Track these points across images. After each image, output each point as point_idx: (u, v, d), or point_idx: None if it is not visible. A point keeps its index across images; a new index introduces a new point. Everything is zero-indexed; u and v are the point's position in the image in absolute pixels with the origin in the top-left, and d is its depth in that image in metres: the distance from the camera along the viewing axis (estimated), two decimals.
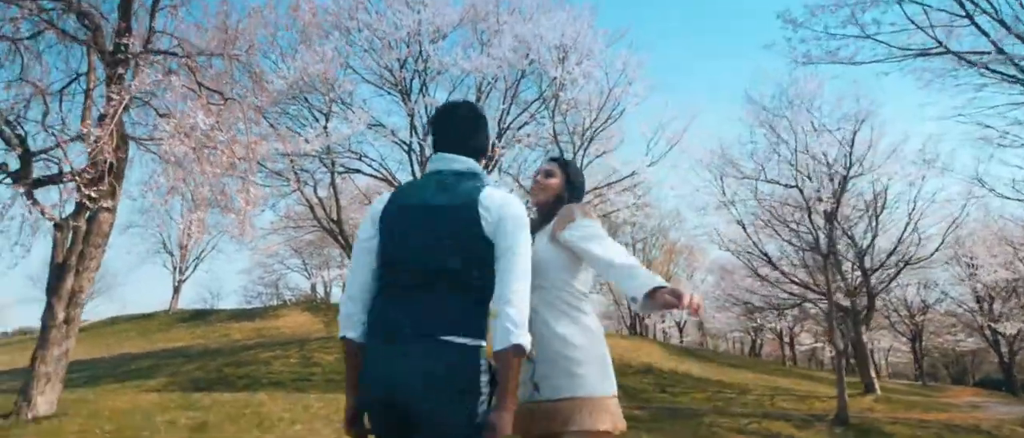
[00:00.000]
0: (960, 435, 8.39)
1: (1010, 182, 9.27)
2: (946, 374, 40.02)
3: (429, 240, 1.36)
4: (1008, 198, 9.64)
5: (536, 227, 1.78)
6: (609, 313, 39.76)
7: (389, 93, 13.78)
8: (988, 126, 7.29)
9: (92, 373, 12.95)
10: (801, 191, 10.94)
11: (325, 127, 13.07)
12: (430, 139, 1.53)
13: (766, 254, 12.63)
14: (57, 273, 6.14)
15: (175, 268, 29.14)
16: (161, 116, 6.32)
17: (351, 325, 1.39)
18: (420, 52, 12.64)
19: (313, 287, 33.34)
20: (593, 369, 1.61)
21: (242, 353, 14.97)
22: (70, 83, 7.16)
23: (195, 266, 29.93)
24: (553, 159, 1.95)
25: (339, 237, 15.00)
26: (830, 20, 6.92)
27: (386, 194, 1.53)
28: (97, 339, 19.61)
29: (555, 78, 11.74)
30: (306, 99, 13.46)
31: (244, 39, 7.49)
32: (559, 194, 1.84)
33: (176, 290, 28.63)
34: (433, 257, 1.35)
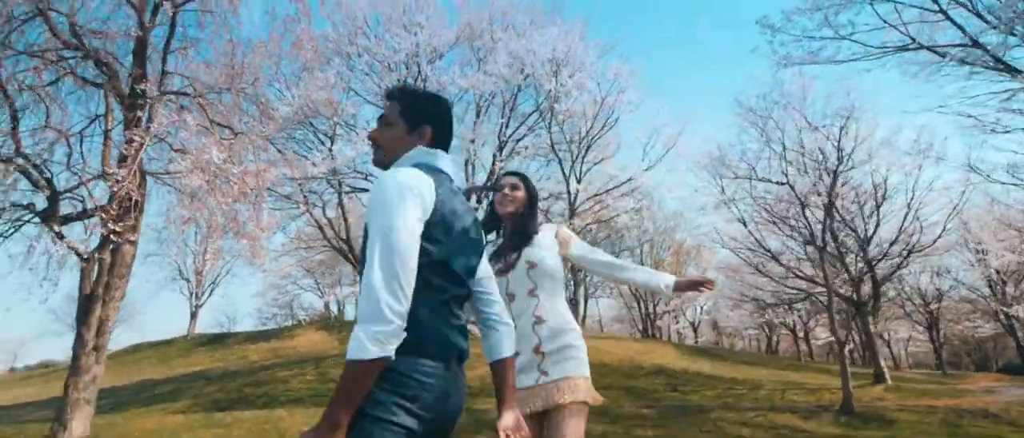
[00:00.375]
0: (966, 419, 8.46)
1: (1004, 167, 9.34)
2: (969, 361, 39.42)
3: (478, 259, 1.37)
4: (1003, 183, 9.74)
5: (524, 240, 2.08)
6: (622, 317, 39.72)
7: None
8: (970, 116, 7.46)
9: (117, 400, 13.37)
10: (792, 187, 11.15)
11: (330, 150, 13.52)
12: (430, 126, 1.39)
13: (769, 250, 12.79)
14: (85, 304, 6.53)
15: (191, 294, 29.74)
16: (176, 151, 6.73)
17: (396, 343, 1.09)
18: (419, 72, 13.06)
19: (326, 306, 33.80)
20: (583, 355, 2.01)
21: (260, 373, 15.34)
22: (89, 124, 7.63)
23: (211, 291, 30.53)
24: (514, 173, 2.20)
25: (350, 255, 15.38)
26: (807, 23, 7.18)
27: (419, 173, 1.24)
28: (119, 367, 20.11)
29: (550, 91, 12.08)
30: (311, 124, 13.93)
31: (250, 72, 7.92)
32: (524, 205, 2.13)
33: (193, 315, 29.20)
34: (475, 276, 1.38)
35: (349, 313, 32.89)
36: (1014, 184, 9.39)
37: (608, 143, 13.04)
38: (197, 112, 6.31)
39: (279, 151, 12.75)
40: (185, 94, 6.34)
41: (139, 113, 5.82)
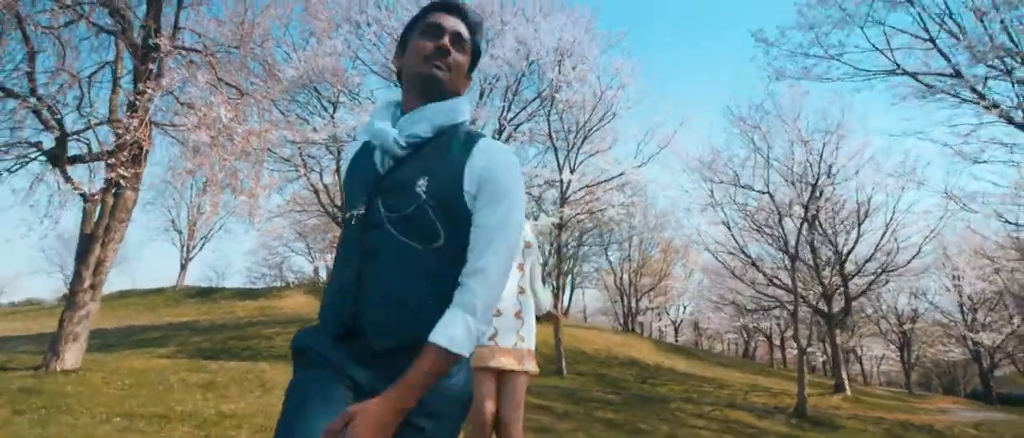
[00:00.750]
0: (911, 432, 8.95)
1: (980, 195, 9.68)
2: (938, 384, 40.44)
3: None
4: (975, 212, 10.11)
5: None
6: (606, 309, 40.40)
7: (396, 85, 14.36)
8: (947, 145, 7.79)
9: (105, 341, 13.73)
10: (772, 197, 11.51)
11: (333, 117, 13.70)
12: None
13: (749, 256, 13.19)
14: (85, 243, 6.81)
15: (183, 246, 30.02)
16: (182, 104, 6.96)
17: None
18: None
19: (316, 270, 34.17)
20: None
21: (246, 328, 15.74)
22: (98, 70, 7.82)
23: (202, 245, 30.82)
24: None
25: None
26: (801, 39, 7.44)
27: None
28: (107, 311, 20.43)
29: (552, 79, 12.30)
30: (316, 89, 14.06)
31: (259, 33, 8.10)
32: None
33: (183, 267, 29.52)
34: None
35: None
36: (983, 213, 9.75)
37: (605, 136, 13.31)
38: (206, 69, 6.52)
39: (281, 113, 12.91)
40: (196, 51, 6.55)
41: (150, 65, 6.04)
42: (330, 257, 31.97)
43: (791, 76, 8.10)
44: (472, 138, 1.09)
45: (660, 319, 37.47)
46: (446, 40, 1.10)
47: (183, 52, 6.61)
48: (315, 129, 12.89)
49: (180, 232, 29.90)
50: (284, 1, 7.79)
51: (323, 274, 33.72)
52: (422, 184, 1.03)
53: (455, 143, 1.08)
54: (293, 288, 28.38)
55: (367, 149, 1.13)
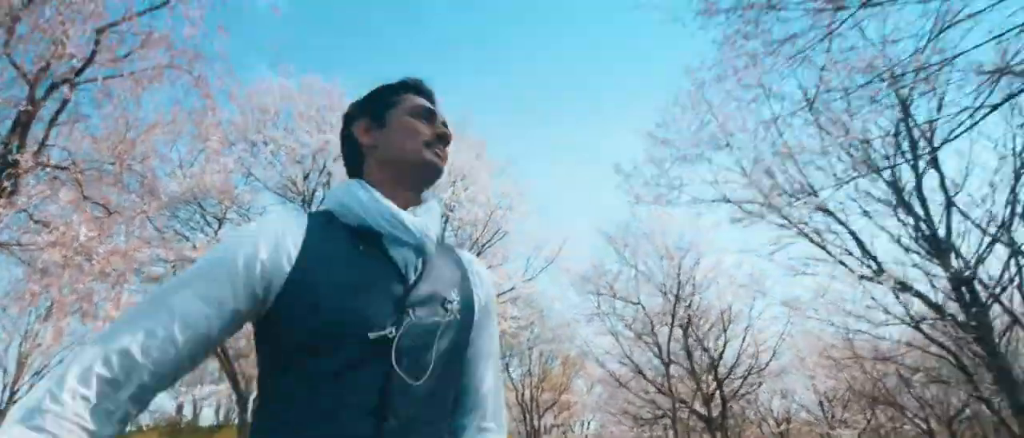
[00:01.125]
0: None
1: (809, 303, 11.47)
2: None
3: None
4: (808, 316, 11.88)
5: None
6: (511, 430, 38.86)
7: (291, 201, 14.28)
8: (769, 258, 9.45)
9: None
10: (644, 308, 12.76)
11: (217, 233, 13.11)
12: None
13: (636, 364, 14.02)
14: None
15: (5, 387, 24.70)
16: (36, 222, 6.43)
17: None
18: (324, 167, 13.52)
19: (179, 408, 29.53)
20: None
21: None
22: None
23: (32, 383, 25.60)
24: None
25: (218, 350, 14.21)
26: (651, 172, 8.97)
27: None
28: None
29: (446, 199, 13.10)
30: (200, 204, 13.53)
31: (141, 149, 7.91)
32: None
33: (1, 413, 24.03)
34: None
35: (206, 417, 28.88)
36: (815, 318, 11.49)
37: (496, 252, 14.08)
38: (71, 186, 6.20)
39: (157, 230, 12.13)
40: (63, 168, 6.26)
41: (4, 183, 5.64)
42: (199, 390, 27.96)
43: (647, 202, 9.59)
44: (452, 248, 0.96)
45: (565, 436, 36.62)
46: (448, 129, 0.96)
47: (47, 169, 6.29)
48: (195, 246, 12.18)
49: (5, 369, 24.76)
50: (172, 125, 7.82)
51: (188, 412, 29.18)
52: (454, 298, 0.84)
53: (448, 251, 0.93)
54: (147, 431, 24.11)
55: (337, 235, 0.82)
